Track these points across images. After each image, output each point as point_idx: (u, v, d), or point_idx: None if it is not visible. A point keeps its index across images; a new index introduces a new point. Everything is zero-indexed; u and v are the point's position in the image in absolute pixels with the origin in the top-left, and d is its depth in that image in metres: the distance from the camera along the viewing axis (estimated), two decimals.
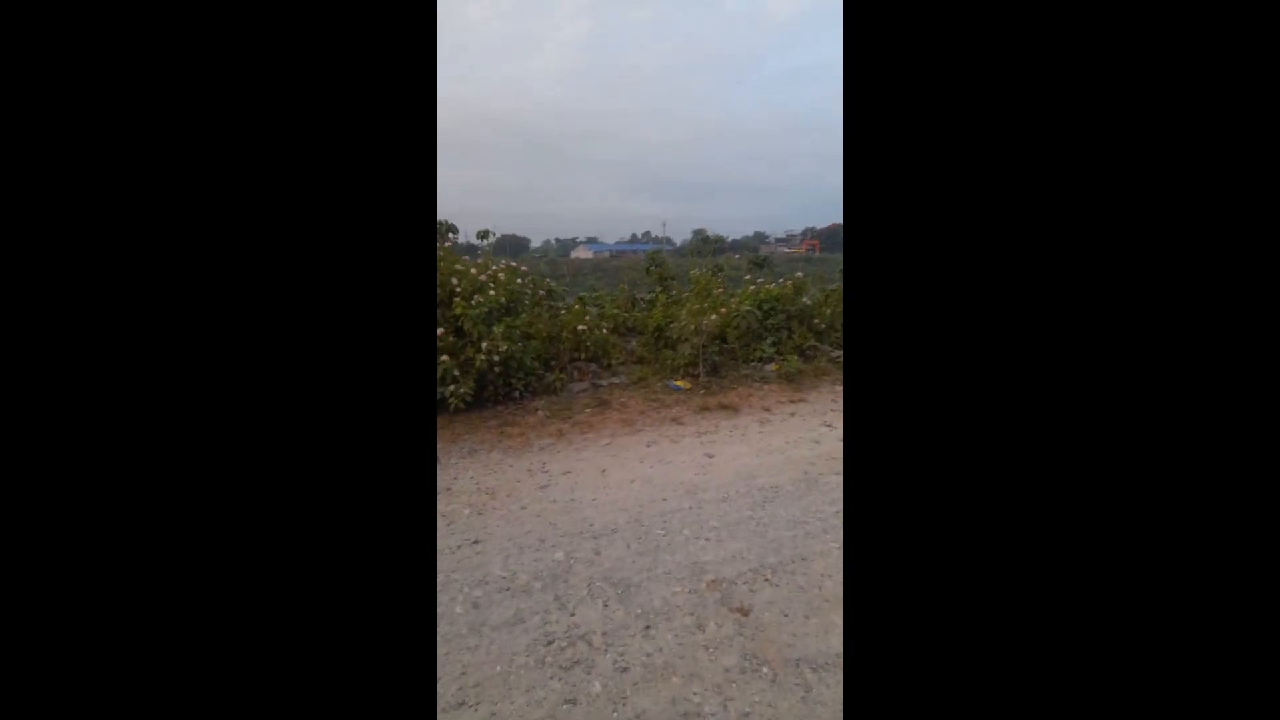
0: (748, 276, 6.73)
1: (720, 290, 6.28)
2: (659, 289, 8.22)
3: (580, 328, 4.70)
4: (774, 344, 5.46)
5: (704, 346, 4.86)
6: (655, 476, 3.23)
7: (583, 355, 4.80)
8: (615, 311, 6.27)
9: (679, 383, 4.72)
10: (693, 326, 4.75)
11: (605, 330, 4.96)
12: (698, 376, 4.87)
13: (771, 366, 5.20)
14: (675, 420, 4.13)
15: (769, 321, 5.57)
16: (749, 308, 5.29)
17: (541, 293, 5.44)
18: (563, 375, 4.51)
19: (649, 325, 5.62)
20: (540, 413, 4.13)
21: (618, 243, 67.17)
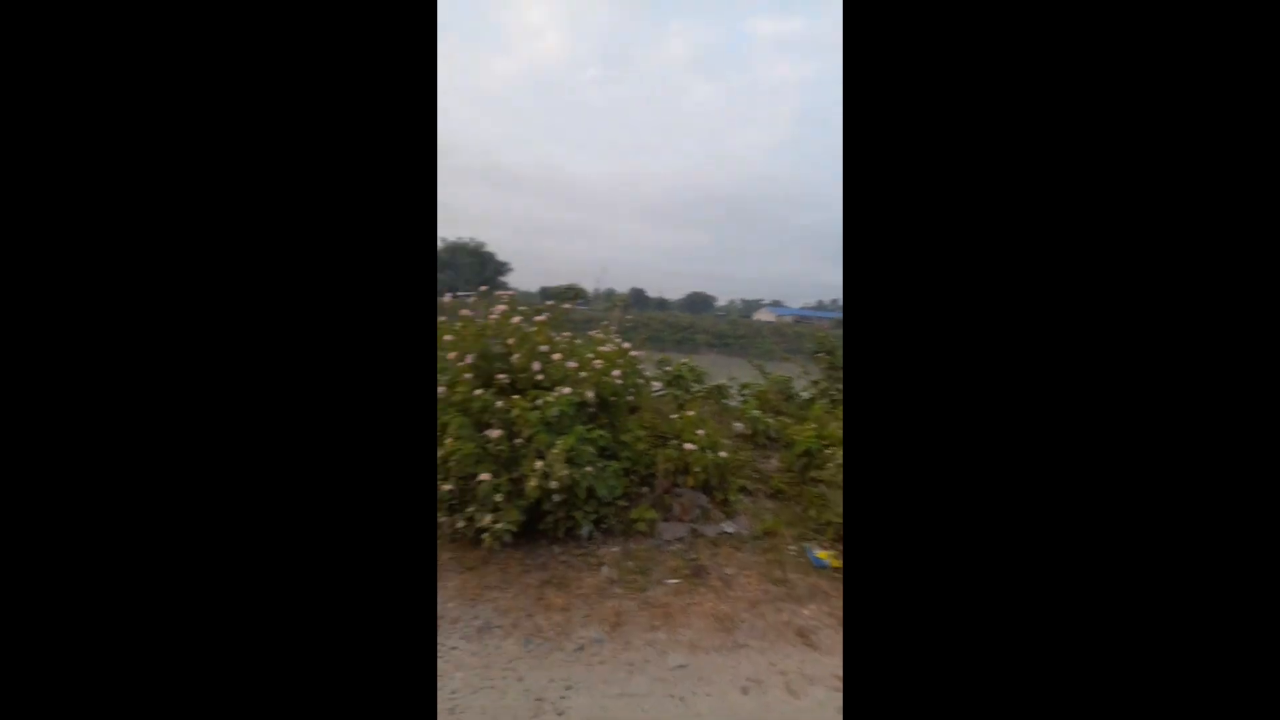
0: None
1: None
2: (822, 381, 6.52)
3: (688, 445, 3.41)
4: None
5: None
6: None
7: (690, 481, 3.48)
8: (754, 413, 4.81)
9: (824, 555, 3.08)
10: None
11: (723, 452, 3.56)
12: None
13: None
14: (804, 636, 2.53)
15: None
16: None
17: (655, 386, 4.29)
18: (652, 513, 3.24)
19: (797, 441, 4.06)
20: (605, 570, 2.90)
21: (802, 307, 64.30)
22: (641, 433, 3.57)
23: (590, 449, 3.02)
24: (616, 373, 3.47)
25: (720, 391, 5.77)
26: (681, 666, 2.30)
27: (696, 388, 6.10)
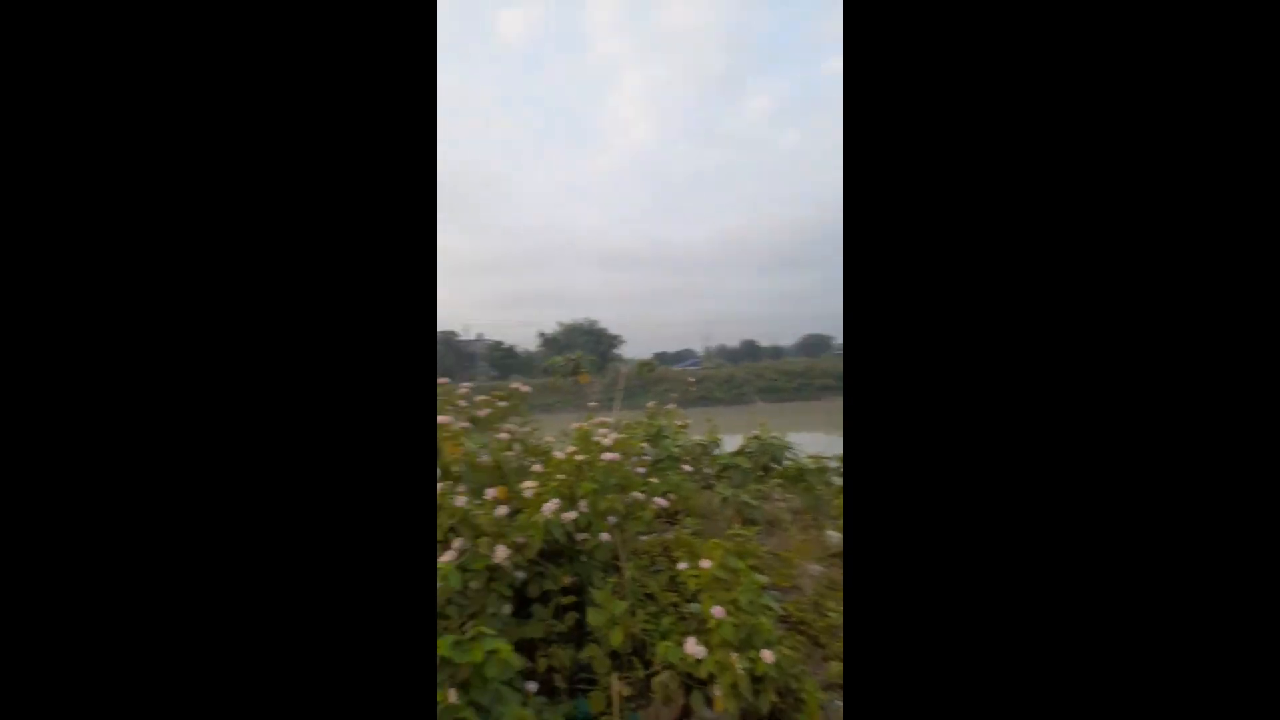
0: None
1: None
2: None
3: (690, 650, 1.72)
4: None
5: None
6: None
7: (719, 704, 1.77)
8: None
9: None
10: None
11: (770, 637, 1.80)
12: None
13: None
14: None
15: None
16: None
17: (694, 475, 2.68)
18: None
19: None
20: None
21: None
22: (620, 608, 1.95)
23: (497, 673, 1.48)
24: (582, 500, 1.97)
25: (812, 472, 3.88)
26: None
27: (779, 468, 4.26)
